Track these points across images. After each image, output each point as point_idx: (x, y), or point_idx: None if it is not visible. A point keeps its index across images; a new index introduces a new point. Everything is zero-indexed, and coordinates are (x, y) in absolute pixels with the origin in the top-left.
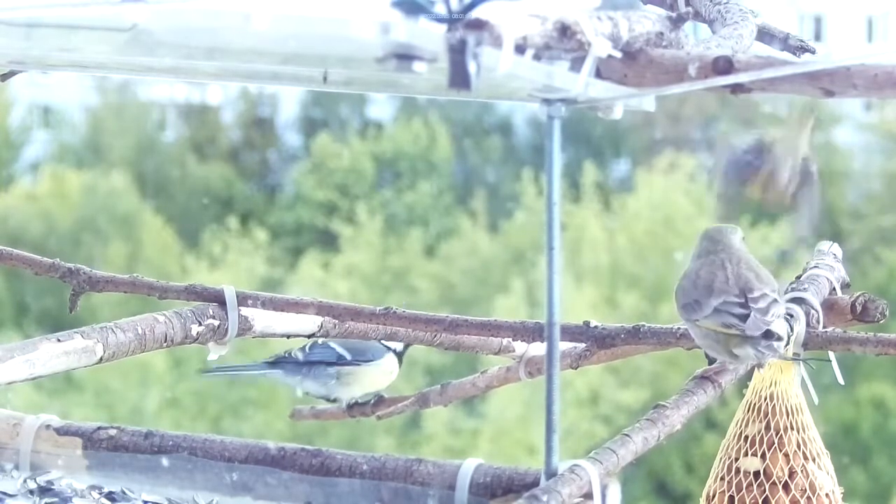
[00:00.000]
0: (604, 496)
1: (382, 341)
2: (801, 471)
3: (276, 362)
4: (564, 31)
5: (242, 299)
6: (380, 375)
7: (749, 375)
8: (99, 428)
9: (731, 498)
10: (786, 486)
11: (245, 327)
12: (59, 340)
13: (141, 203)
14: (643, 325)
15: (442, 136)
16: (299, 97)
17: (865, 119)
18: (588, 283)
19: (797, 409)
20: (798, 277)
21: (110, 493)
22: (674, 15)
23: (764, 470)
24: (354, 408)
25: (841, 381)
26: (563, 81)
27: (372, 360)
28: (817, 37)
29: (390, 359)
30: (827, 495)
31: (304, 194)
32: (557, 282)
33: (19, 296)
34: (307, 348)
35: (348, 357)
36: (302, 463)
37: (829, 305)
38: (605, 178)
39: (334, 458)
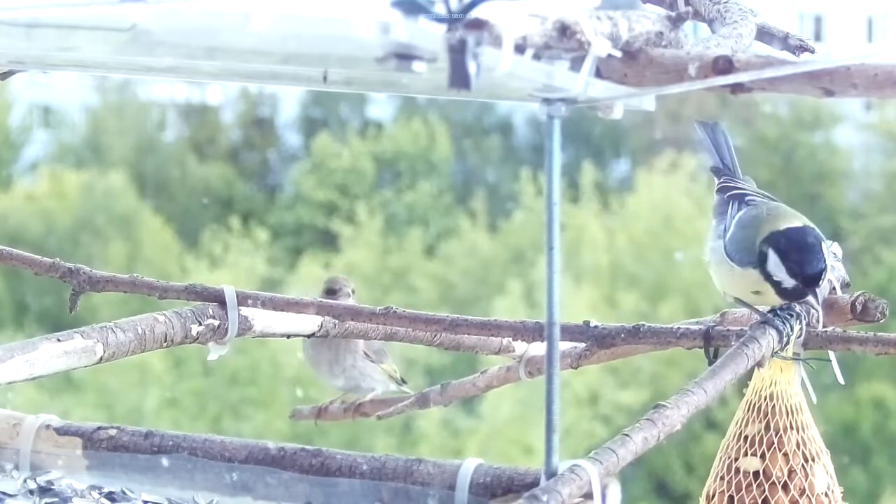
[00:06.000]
0: (604, 496)
1: None
2: (801, 470)
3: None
4: (564, 30)
5: (242, 299)
6: (741, 283)
7: (749, 375)
8: (99, 428)
9: (731, 498)
10: (785, 487)
11: (245, 327)
12: (59, 340)
13: (140, 203)
14: (643, 325)
15: (442, 136)
16: (299, 97)
17: (865, 119)
18: (588, 283)
19: (797, 409)
20: None
21: (110, 493)
22: (673, 14)
23: (763, 470)
24: (353, 408)
25: (841, 380)
26: (563, 81)
27: (736, 263)
28: (817, 37)
29: None
30: (826, 495)
31: (304, 194)
32: (557, 282)
33: (19, 296)
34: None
35: (727, 244)
36: (302, 463)
37: (829, 305)
38: (605, 177)
39: (334, 458)
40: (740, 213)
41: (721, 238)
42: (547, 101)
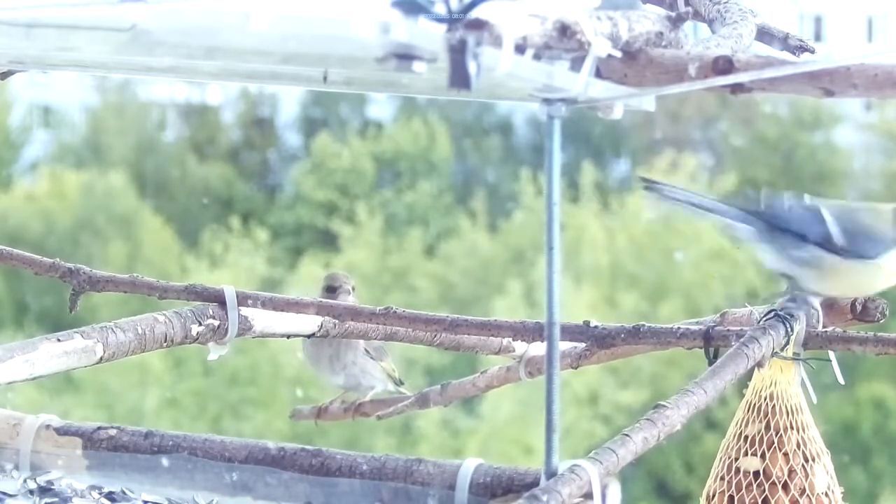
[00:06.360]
0: (604, 496)
1: None
2: (801, 470)
3: (750, 212)
4: (564, 30)
5: (242, 299)
6: (877, 278)
7: (749, 375)
8: (99, 428)
9: (731, 498)
10: (785, 486)
11: (245, 327)
12: (59, 340)
13: (140, 203)
14: (643, 325)
15: (442, 136)
16: (299, 97)
17: (865, 119)
18: (588, 283)
19: (797, 409)
20: None
21: (110, 493)
22: (673, 15)
23: (763, 470)
24: (353, 408)
25: (841, 380)
26: (563, 81)
27: (868, 258)
28: (817, 37)
29: None
30: (826, 495)
31: (304, 194)
32: (557, 282)
33: (19, 296)
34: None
35: (839, 243)
36: (302, 463)
37: (829, 305)
38: (605, 177)
39: (334, 458)
40: (828, 214)
41: (812, 243)
42: (547, 101)
